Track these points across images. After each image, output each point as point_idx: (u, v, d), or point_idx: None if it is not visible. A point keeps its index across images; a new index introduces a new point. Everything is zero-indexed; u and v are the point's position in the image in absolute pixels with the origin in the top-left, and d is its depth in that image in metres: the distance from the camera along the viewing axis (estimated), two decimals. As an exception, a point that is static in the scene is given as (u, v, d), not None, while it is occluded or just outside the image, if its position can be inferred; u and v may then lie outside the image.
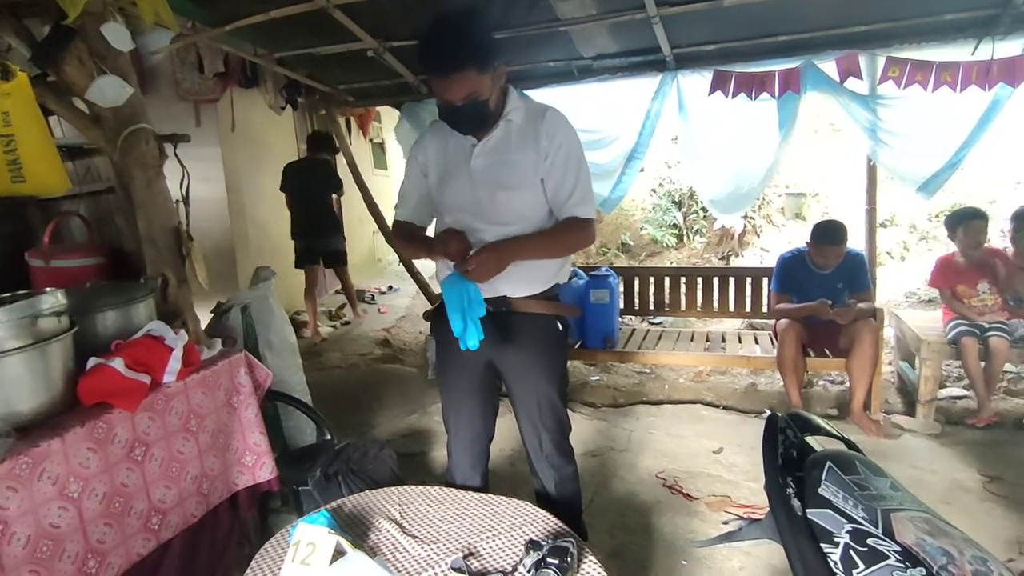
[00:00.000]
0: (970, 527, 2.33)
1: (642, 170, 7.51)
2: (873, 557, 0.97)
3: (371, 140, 8.56)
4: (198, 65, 3.82)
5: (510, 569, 1.42)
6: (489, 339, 1.80)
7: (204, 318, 2.86)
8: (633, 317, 4.86)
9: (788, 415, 1.30)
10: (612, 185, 3.79)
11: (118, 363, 1.67)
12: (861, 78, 3.24)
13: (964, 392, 3.60)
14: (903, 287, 5.51)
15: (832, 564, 1.01)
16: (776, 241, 6.41)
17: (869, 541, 0.99)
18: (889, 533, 0.99)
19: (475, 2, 1.98)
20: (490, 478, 2.06)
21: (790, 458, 1.20)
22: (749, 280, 4.08)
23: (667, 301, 4.27)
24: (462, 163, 1.76)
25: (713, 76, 3.41)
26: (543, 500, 1.93)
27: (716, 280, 4.18)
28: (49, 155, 2.13)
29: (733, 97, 3.40)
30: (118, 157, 2.20)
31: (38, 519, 1.43)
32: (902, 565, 0.94)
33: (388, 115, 8.00)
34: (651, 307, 4.31)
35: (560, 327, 1.82)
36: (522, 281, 1.75)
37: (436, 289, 1.98)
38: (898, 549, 0.96)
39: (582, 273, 3.96)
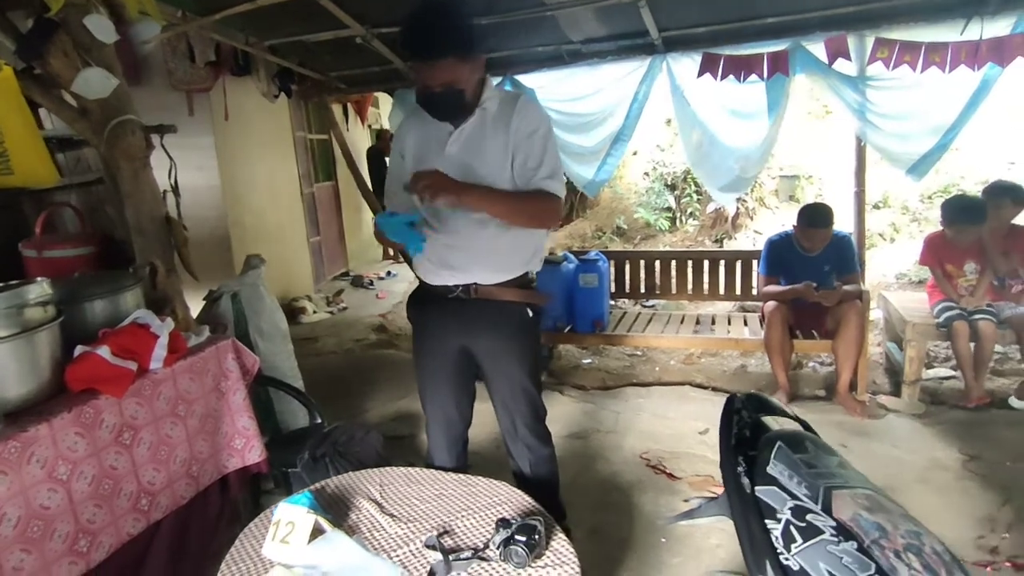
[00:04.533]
0: (945, 505, 2.41)
1: (635, 153, 7.57)
2: (810, 532, 1.02)
3: (369, 126, 8.57)
4: (189, 54, 3.82)
5: (481, 546, 1.46)
6: (461, 325, 1.85)
7: (198, 305, 2.92)
8: (627, 300, 4.89)
9: (744, 396, 1.34)
10: (597, 167, 3.81)
11: (104, 351, 1.71)
12: (850, 59, 3.23)
13: (951, 372, 3.63)
14: (895, 268, 5.52)
15: (774, 539, 1.06)
16: (770, 223, 6.43)
17: (808, 517, 1.03)
18: (828, 509, 1.03)
19: None
20: (477, 459, 2.11)
21: (743, 438, 1.24)
22: (739, 263, 4.10)
23: (658, 285, 4.30)
24: (438, 150, 1.79)
25: (702, 59, 3.42)
26: (520, 480, 1.99)
27: (707, 263, 4.20)
28: (36, 147, 2.17)
29: (722, 79, 3.40)
30: (105, 149, 2.24)
31: (28, 501, 1.49)
32: (835, 539, 0.99)
33: (386, 101, 8.00)
34: (642, 291, 4.34)
35: (531, 314, 1.86)
36: (493, 268, 1.79)
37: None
38: (833, 524, 1.01)
39: (572, 257, 3.98)
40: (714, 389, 3.69)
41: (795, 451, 1.15)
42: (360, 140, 8.18)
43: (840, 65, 3.28)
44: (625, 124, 3.70)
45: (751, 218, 6.64)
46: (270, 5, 3.01)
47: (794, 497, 1.07)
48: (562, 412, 3.45)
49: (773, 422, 1.30)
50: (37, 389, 1.61)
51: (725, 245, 6.51)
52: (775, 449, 1.15)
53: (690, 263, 4.25)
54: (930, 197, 6.22)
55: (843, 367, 3.28)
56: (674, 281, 4.26)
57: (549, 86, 3.84)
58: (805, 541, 1.01)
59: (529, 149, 1.72)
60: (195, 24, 3.27)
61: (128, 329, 1.83)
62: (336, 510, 1.66)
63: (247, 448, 2.18)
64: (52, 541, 1.53)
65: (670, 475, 2.73)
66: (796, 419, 1.34)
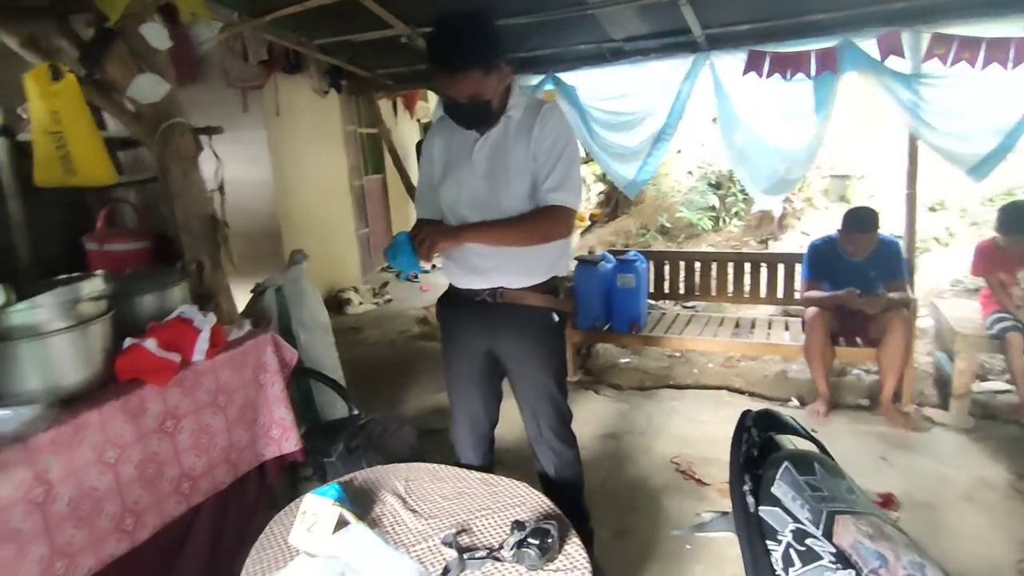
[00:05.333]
0: (989, 525, 2.32)
1: (679, 151, 7.42)
2: (809, 557, 1.01)
3: (418, 120, 8.68)
4: (243, 54, 3.97)
5: (496, 547, 1.50)
6: (487, 328, 1.89)
7: (247, 297, 3.06)
8: (667, 301, 4.84)
9: (755, 414, 1.33)
10: (638, 167, 3.78)
11: (151, 343, 1.83)
12: (903, 56, 3.11)
13: (1007, 386, 3.45)
14: (949, 275, 5.26)
15: (774, 561, 1.06)
16: (819, 225, 6.20)
17: (808, 541, 1.03)
18: (828, 534, 1.03)
19: None
20: (508, 456, 2.13)
21: (752, 456, 1.24)
22: (782, 266, 4.01)
23: (698, 286, 4.24)
24: (464, 158, 1.82)
25: (747, 56, 3.34)
26: (545, 482, 2.02)
27: (748, 265, 4.11)
28: (97, 148, 2.30)
29: (767, 77, 3.33)
30: (157, 149, 2.36)
31: (79, 481, 1.60)
32: (833, 566, 0.98)
33: (434, 95, 8.10)
34: (682, 292, 4.29)
35: (556, 318, 1.87)
36: (518, 273, 1.82)
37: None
38: (833, 551, 1.00)
39: (610, 257, 3.97)
40: (751, 394, 3.63)
41: (801, 473, 1.15)
42: (409, 133, 8.32)
43: (893, 62, 3.15)
44: (667, 123, 3.65)
45: (798, 219, 6.44)
46: (319, 6, 3.12)
47: (796, 520, 1.07)
48: (596, 411, 3.46)
49: (786, 441, 1.29)
50: (89, 378, 1.72)
51: (770, 246, 6.33)
52: (781, 469, 1.15)
53: (731, 265, 4.17)
54: (991, 200, 5.88)
55: (887, 377, 3.17)
56: (714, 283, 4.19)
57: (591, 84, 3.83)
58: (804, 566, 1.01)
59: (543, 162, 1.73)
60: (249, 25, 3.41)
61: (173, 323, 1.94)
62: (362, 502, 1.72)
63: (284, 438, 2.28)
64: (101, 519, 1.65)
65: (699, 481, 2.71)
66: (811, 439, 1.32)
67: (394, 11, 3.30)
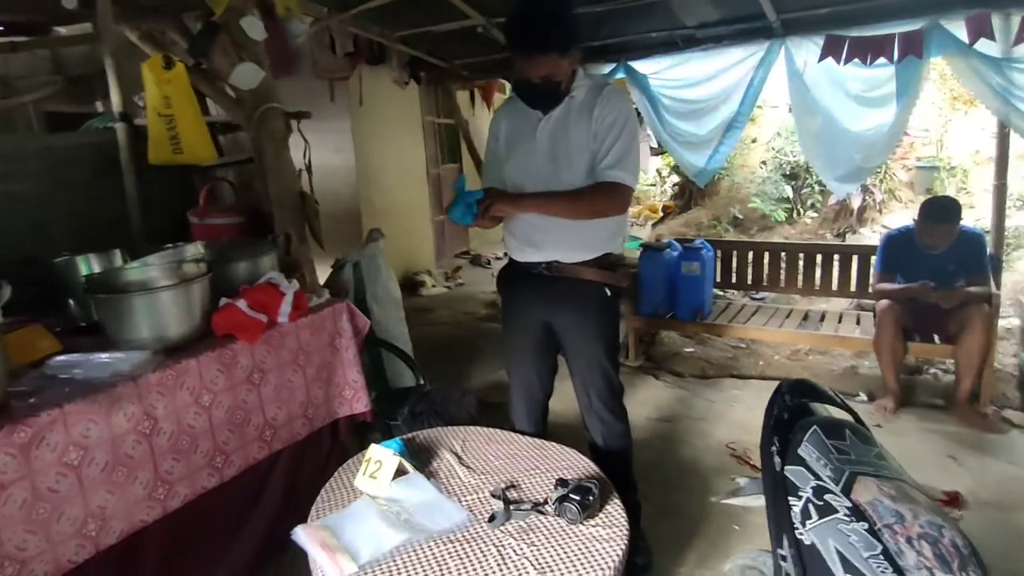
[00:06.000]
0: (1062, 532, 2.21)
1: (753, 140, 7.20)
2: (826, 511, 1.06)
3: (495, 111, 8.86)
4: (331, 46, 4.23)
5: (541, 501, 1.61)
6: (543, 301, 1.99)
7: (327, 272, 3.29)
8: (735, 292, 4.78)
9: (791, 382, 1.37)
10: (708, 155, 3.76)
11: (242, 303, 2.04)
12: (994, 39, 2.95)
13: (1103, 391, 3.23)
14: (1043, 273, 4.90)
15: (793, 515, 1.11)
16: (902, 219, 5.87)
17: (826, 497, 1.08)
18: (847, 491, 1.07)
19: None
20: (562, 430, 2.22)
21: (782, 420, 1.29)
22: (856, 258, 3.88)
23: (766, 276, 4.17)
24: (528, 136, 1.93)
25: (824, 41, 3.26)
26: (594, 452, 2.10)
27: (820, 257, 4.01)
28: (201, 131, 2.57)
29: (846, 63, 3.23)
30: (253, 131, 2.60)
31: (179, 420, 1.83)
32: (848, 519, 1.03)
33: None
34: (750, 282, 4.23)
35: (609, 293, 1.95)
36: (572, 247, 1.91)
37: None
38: (849, 505, 1.05)
39: (676, 244, 3.97)
40: (818, 387, 3.55)
41: (831, 437, 1.19)
42: (485, 125, 8.46)
43: (983, 46, 3.00)
44: (739, 111, 3.62)
45: (880, 212, 6.11)
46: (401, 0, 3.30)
47: (818, 478, 1.12)
48: (653, 395, 3.50)
49: (821, 408, 1.33)
50: (190, 330, 1.95)
51: (848, 240, 6.06)
52: (809, 432, 1.20)
53: (801, 256, 4.07)
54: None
55: (963, 375, 3.04)
56: (784, 274, 4.11)
57: (662, 72, 3.84)
58: (820, 519, 1.06)
59: (602, 140, 1.82)
60: (336, 18, 3.64)
61: (262, 287, 2.16)
62: (421, 456, 1.86)
63: (355, 399, 2.47)
64: (196, 455, 1.88)
65: (753, 466, 2.71)
66: (846, 408, 1.35)
67: (472, 2, 3.44)
